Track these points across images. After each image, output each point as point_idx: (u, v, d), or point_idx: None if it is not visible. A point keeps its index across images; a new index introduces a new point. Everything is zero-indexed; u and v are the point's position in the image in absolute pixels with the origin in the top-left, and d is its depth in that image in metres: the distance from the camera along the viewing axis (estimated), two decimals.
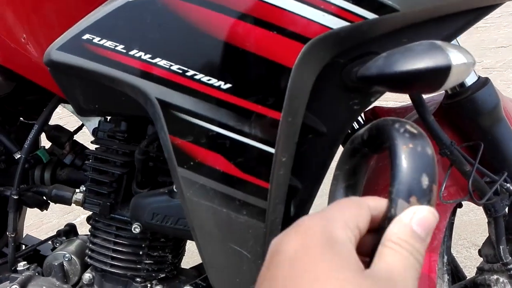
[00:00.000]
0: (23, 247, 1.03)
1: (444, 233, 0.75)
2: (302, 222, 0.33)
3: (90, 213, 0.81)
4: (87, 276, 0.81)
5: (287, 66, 0.52)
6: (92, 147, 0.82)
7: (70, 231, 0.93)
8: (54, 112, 0.86)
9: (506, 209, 0.80)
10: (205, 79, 0.53)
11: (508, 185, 0.75)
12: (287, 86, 0.52)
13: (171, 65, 0.53)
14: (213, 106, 0.53)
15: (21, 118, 0.97)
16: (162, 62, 0.53)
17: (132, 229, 0.74)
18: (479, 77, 0.74)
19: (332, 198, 0.45)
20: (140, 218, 0.71)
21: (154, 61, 0.53)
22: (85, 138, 0.82)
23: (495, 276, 0.82)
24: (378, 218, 0.35)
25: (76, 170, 0.89)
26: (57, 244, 0.91)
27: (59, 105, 0.85)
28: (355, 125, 0.85)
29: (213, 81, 0.53)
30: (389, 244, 0.31)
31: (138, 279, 0.79)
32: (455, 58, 0.44)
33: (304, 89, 0.54)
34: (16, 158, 0.85)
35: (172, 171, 0.57)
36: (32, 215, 1.94)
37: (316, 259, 0.30)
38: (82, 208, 0.80)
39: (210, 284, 0.62)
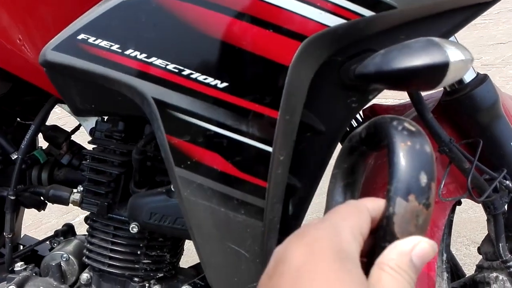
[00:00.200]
0: (21, 247, 1.03)
1: (443, 231, 0.75)
2: (307, 231, 0.33)
3: (89, 213, 0.81)
4: (84, 276, 0.81)
5: (284, 64, 0.51)
6: (90, 147, 0.81)
7: (68, 231, 0.93)
8: (53, 112, 0.86)
9: (506, 207, 0.80)
10: (201, 78, 0.52)
11: (507, 182, 0.75)
12: (284, 84, 0.51)
13: (167, 64, 0.53)
14: (209, 105, 0.53)
15: (18, 119, 0.97)
16: (158, 62, 0.53)
17: (130, 229, 0.74)
18: (477, 73, 0.74)
19: (330, 197, 0.45)
20: (138, 217, 0.70)
21: (149, 60, 0.53)
22: (84, 138, 0.82)
23: (494, 274, 0.82)
24: (376, 219, 0.34)
25: (73, 170, 0.88)
26: (55, 244, 0.90)
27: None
28: (354, 123, 0.85)
29: (210, 80, 0.52)
30: (387, 270, 0.32)
31: (136, 279, 0.78)
32: (453, 55, 0.44)
33: (301, 88, 0.53)
34: (13, 158, 0.85)
35: (169, 171, 0.56)
36: (31, 215, 1.94)
37: (325, 272, 0.29)
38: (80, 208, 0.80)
39: (209, 284, 0.62)
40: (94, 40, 0.54)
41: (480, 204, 0.80)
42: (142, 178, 0.75)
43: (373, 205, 0.35)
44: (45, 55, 0.56)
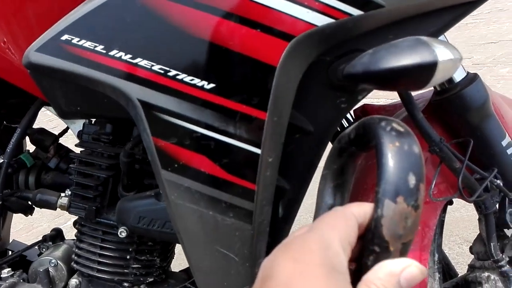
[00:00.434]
0: (10, 253, 1.01)
1: (434, 231, 0.75)
2: (295, 243, 0.32)
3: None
4: (73, 281, 0.79)
5: (271, 64, 0.51)
6: (78, 150, 0.80)
7: (56, 236, 0.92)
8: (44, 114, 0.85)
9: (497, 206, 0.79)
10: (187, 79, 0.52)
11: (498, 181, 0.75)
12: (272, 85, 0.51)
13: (152, 65, 0.52)
14: (196, 107, 0.52)
15: (4, 122, 0.95)
16: (143, 62, 0.52)
17: (119, 233, 0.73)
18: (467, 73, 0.73)
19: (320, 198, 0.44)
20: (126, 222, 0.69)
21: (135, 61, 0.52)
22: (73, 141, 0.81)
23: (486, 273, 0.82)
24: (363, 224, 0.34)
25: (61, 174, 0.87)
26: (44, 250, 0.89)
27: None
28: (345, 123, 0.84)
29: (196, 81, 0.52)
30: None
31: (125, 284, 0.77)
32: (442, 54, 0.43)
33: (289, 88, 0.53)
34: None
35: (156, 174, 0.55)
36: (22, 219, 1.91)
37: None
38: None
39: None
40: (78, 41, 0.53)
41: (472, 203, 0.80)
42: (131, 181, 0.73)
43: (359, 210, 0.34)
44: (28, 57, 0.55)
